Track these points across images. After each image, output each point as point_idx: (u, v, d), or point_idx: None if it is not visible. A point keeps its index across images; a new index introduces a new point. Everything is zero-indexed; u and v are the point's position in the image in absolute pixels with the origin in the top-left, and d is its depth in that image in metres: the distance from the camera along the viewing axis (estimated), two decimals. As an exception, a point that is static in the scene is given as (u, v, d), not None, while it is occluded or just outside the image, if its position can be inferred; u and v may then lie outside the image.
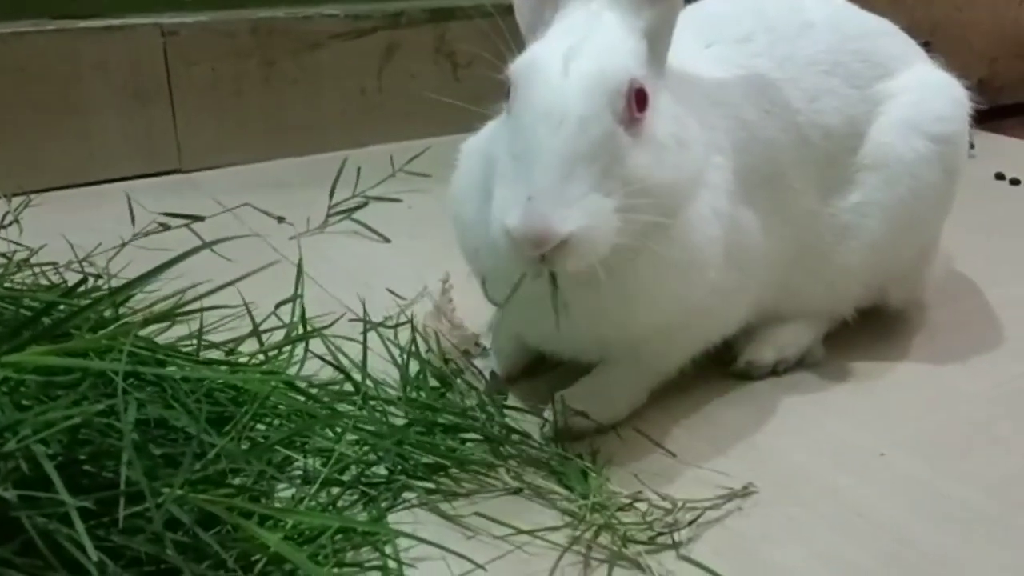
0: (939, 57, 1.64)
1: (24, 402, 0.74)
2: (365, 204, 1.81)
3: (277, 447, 0.92)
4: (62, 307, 0.85)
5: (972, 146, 2.11)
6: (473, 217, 1.03)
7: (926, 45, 2.03)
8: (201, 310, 0.98)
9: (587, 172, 0.88)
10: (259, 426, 0.98)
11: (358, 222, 1.74)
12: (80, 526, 0.65)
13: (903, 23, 1.34)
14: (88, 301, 0.80)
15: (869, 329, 1.31)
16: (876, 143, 1.19)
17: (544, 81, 0.91)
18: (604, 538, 0.90)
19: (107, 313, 0.91)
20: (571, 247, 0.86)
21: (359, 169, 1.87)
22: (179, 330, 1.08)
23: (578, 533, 0.90)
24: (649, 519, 0.92)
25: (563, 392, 1.09)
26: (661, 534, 0.91)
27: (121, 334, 0.74)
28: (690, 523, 0.92)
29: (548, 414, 1.08)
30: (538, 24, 1.01)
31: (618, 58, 0.93)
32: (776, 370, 1.23)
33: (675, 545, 0.90)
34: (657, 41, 0.99)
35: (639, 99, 0.93)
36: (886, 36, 1.27)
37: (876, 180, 1.19)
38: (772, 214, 1.12)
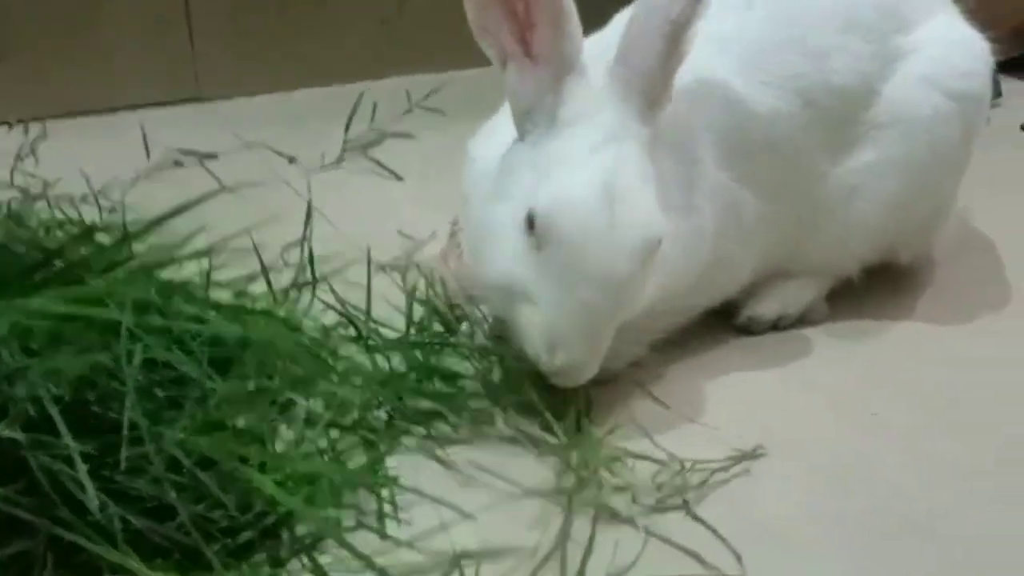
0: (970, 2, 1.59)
1: (32, 345, 0.76)
2: (380, 141, 1.81)
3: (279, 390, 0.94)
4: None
5: (999, 94, 2.07)
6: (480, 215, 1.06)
7: (958, -10, 1.96)
8: (210, 252, 0.99)
9: (616, 319, 0.96)
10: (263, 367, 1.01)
11: (372, 159, 1.74)
12: (82, 468, 0.67)
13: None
14: (97, 243, 0.81)
15: (875, 286, 1.31)
16: (892, 100, 1.16)
17: (587, 234, 0.92)
18: (591, 493, 0.92)
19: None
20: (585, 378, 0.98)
21: (375, 104, 1.86)
22: (190, 267, 1.10)
23: (569, 485, 0.93)
24: (657, 481, 0.93)
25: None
26: (670, 496, 0.92)
27: (129, 281, 0.76)
28: (700, 484, 0.93)
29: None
30: (537, 110, 0.99)
31: (656, 213, 0.96)
32: (777, 325, 1.23)
33: (684, 505, 0.91)
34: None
35: None
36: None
37: (891, 138, 1.17)
38: (775, 182, 1.13)
